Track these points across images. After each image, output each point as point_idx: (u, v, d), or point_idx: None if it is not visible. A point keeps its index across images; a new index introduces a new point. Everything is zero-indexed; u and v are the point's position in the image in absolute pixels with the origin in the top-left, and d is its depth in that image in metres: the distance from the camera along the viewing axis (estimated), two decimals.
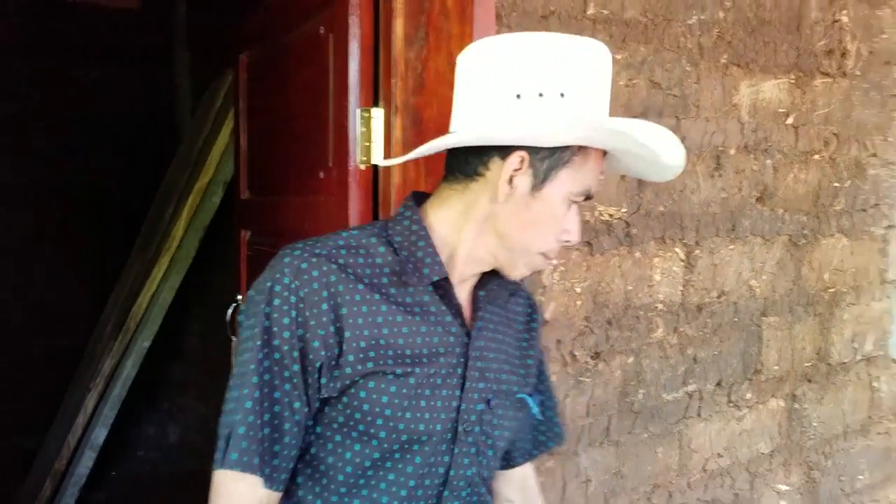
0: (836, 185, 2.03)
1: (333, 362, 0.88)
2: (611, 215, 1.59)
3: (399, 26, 1.45)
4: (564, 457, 1.57)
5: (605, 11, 1.48)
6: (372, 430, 0.89)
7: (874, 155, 2.14)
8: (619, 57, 1.53)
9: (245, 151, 2.24)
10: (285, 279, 0.88)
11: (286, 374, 0.87)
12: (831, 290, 2.07)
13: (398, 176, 1.52)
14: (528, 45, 0.89)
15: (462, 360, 0.93)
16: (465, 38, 1.32)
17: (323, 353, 0.87)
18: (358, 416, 0.89)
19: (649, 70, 1.58)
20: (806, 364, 2.03)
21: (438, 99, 1.41)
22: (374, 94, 1.56)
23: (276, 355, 0.87)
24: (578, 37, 0.89)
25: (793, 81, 1.86)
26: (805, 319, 2.01)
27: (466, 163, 0.93)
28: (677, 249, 1.70)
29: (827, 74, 1.95)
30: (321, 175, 1.76)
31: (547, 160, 0.89)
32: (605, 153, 0.93)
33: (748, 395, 1.88)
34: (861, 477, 2.26)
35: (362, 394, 0.88)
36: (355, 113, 1.57)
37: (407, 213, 0.96)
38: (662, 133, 0.92)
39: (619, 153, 0.93)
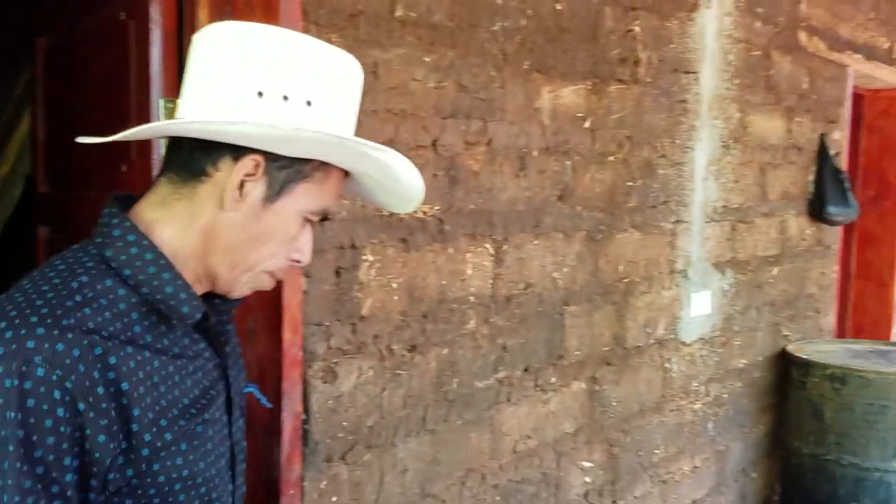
0: (630, 184, 2.23)
1: (124, 452, 0.73)
2: (424, 212, 1.64)
3: (203, 15, 1.42)
4: (382, 449, 1.60)
5: (413, 14, 1.53)
6: (170, 499, 0.78)
7: (663, 156, 2.36)
8: (427, 59, 1.58)
9: (43, 142, 2.09)
10: (38, 371, 0.67)
11: (54, 489, 0.69)
12: (626, 281, 2.26)
13: None
14: (278, 41, 0.80)
15: (225, 392, 0.86)
16: None
17: (112, 445, 0.72)
18: (153, 491, 0.76)
19: (457, 73, 1.65)
20: (604, 349, 2.20)
21: None
22: (179, 85, 1.51)
23: (40, 469, 0.68)
24: (332, 46, 0.84)
25: (590, 87, 2.01)
26: (603, 308, 2.18)
27: (192, 158, 0.81)
28: (487, 245, 1.79)
29: (621, 81, 2.13)
30: (124, 168, 1.68)
31: (285, 170, 0.81)
32: (346, 174, 0.87)
33: (553, 380, 2.02)
34: (657, 451, 2.49)
35: (156, 466, 0.76)
36: (158, 104, 1.51)
37: (119, 230, 0.79)
38: (406, 164, 0.86)
39: (359, 176, 0.88)
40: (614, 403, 2.27)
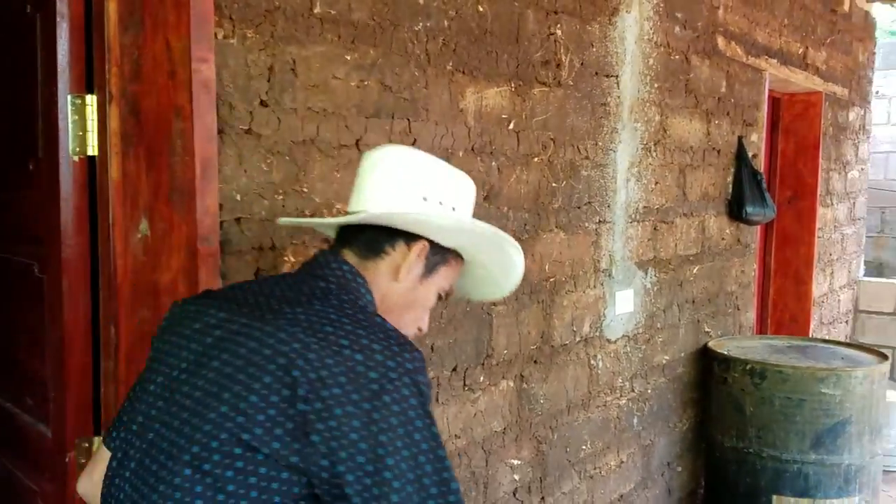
0: (554, 185, 2.26)
1: None
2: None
3: (112, 9, 1.37)
4: None
5: (333, 11, 1.51)
6: None
7: (587, 158, 2.41)
8: (349, 58, 1.57)
9: None
10: (420, 377, 0.94)
11: None
12: (552, 280, 2.30)
13: (117, 170, 1.44)
14: (435, 162, 1.15)
15: None
16: (182, 27, 1.28)
17: None
18: None
19: (380, 73, 1.65)
20: (532, 347, 2.23)
21: (157, 88, 1.36)
22: (88, 80, 1.46)
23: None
24: (456, 168, 1.17)
25: (513, 89, 2.04)
26: (530, 307, 2.21)
27: (375, 241, 1.09)
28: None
29: (544, 84, 2.16)
30: (31, 166, 1.62)
31: (438, 255, 1.12)
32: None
33: (481, 379, 2.03)
34: (584, 447, 2.53)
35: None
36: (66, 99, 1.46)
37: (364, 289, 1.07)
38: (520, 261, 1.21)
39: (476, 266, 1.19)
40: (542, 401, 2.30)
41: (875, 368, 2.81)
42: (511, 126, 2.05)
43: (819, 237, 4.44)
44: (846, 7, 4.53)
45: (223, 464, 0.86)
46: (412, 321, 1.13)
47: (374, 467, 0.86)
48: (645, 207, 2.75)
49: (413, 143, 1.75)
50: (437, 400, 1.89)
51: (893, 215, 7.50)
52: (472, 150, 1.92)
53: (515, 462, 2.19)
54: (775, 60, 3.60)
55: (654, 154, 2.77)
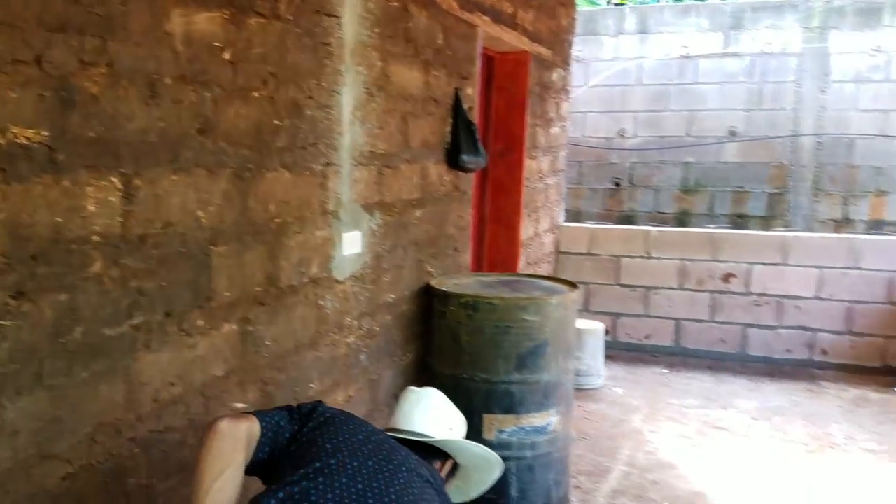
0: (277, 122, 2.21)
1: None
2: (28, 138, 1.43)
3: None
4: None
5: None
6: None
7: (311, 98, 2.38)
8: None
9: None
10: None
11: None
12: (278, 221, 2.26)
13: None
14: (449, 402, 2.07)
15: None
16: None
17: None
18: None
19: None
20: (257, 289, 2.18)
21: None
22: None
23: None
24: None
25: (227, 17, 1.93)
26: (254, 247, 2.15)
27: (426, 455, 1.83)
28: (114, 178, 1.63)
29: (261, 15, 2.08)
30: None
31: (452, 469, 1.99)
32: None
33: (200, 323, 1.95)
34: (312, 385, 2.56)
35: None
36: None
37: None
38: (496, 474, 2.06)
39: (461, 477, 2.03)
40: (269, 343, 2.28)
41: (567, 296, 3.21)
42: (226, 56, 1.95)
43: (526, 186, 4.91)
44: None
45: None
46: None
47: None
48: (370, 151, 2.80)
49: (110, 65, 1.58)
50: (148, 347, 1.77)
51: (589, 168, 8.57)
52: (182, 77, 1.79)
53: (240, 405, 2.15)
54: (488, 17, 3.85)
55: (377, 99, 2.82)
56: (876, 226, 7.54)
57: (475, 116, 3.82)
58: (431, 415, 1.95)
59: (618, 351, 5.70)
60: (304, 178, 2.40)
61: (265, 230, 2.21)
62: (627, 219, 8.40)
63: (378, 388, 3.05)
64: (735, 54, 7.94)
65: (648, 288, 5.74)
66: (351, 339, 2.80)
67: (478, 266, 4.71)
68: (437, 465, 1.86)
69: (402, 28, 2.96)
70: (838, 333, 5.34)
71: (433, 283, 3.37)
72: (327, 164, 2.53)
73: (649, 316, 5.76)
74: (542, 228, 5.56)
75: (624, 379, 5.16)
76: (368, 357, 2.93)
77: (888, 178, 7.50)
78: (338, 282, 2.68)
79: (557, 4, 5.29)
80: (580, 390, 4.84)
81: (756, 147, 7.92)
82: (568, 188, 8.25)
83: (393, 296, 3.11)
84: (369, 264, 2.88)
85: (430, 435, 1.90)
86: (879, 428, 4.29)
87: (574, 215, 8.53)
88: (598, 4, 12.52)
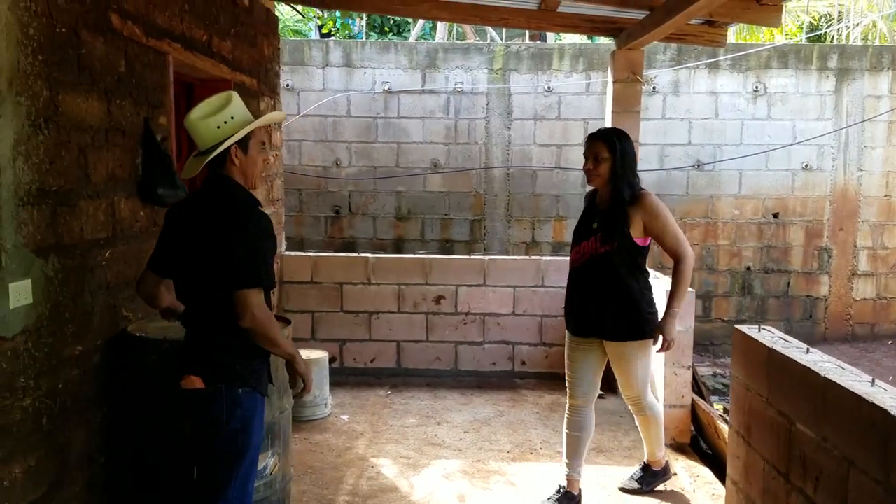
0: None
1: None
2: None
3: None
4: None
5: None
6: None
7: None
8: None
9: None
10: None
11: None
12: None
13: None
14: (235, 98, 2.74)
15: None
16: None
17: None
18: None
19: None
20: None
21: None
22: None
23: None
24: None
25: None
26: None
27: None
28: None
29: None
30: None
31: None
32: None
33: None
34: None
35: None
36: None
37: None
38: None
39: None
40: None
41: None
42: None
43: None
44: (246, 2, 4.91)
45: None
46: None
47: None
48: (39, 189, 2.52)
49: None
50: None
51: (309, 196, 8.61)
52: None
53: None
54: (179, 45, 3.69)
55: (46, 132, 2.55)
56: (558, 247, 8.66)
57: (171, 147, 3.63)
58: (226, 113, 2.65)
59: (345, 377, 5.76)
60: None
61: None
62: (349, 245, 8.59)
63: (68, 452, 2.73)
64: (432, 91, 8.57)
65: (371, 313, 5.90)
66: (27, 402, 2.47)
67: None
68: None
69: (73, 55, 2.71)
70: (534, 345, 5.95)
71: (130, 328, 3.11)
72: None
73: (373, 340, 5.91)
74: None
75: (350, 405, 5.22)
76: (52, 420, 2.61)
77: (565, 205, 8.71)
78: (5, 339, 2.35)
79: (259, 34, 5.25)
80: (307, 421, 4.80)
81: (457, 178, 8.64)
82: (290, 216, 8.21)
83: (80, 347, 2.81)
84: (46, 315, 2.57)
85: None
86: None
87: (297, 243, 8.50)
88: (306, 35, 12.70)
